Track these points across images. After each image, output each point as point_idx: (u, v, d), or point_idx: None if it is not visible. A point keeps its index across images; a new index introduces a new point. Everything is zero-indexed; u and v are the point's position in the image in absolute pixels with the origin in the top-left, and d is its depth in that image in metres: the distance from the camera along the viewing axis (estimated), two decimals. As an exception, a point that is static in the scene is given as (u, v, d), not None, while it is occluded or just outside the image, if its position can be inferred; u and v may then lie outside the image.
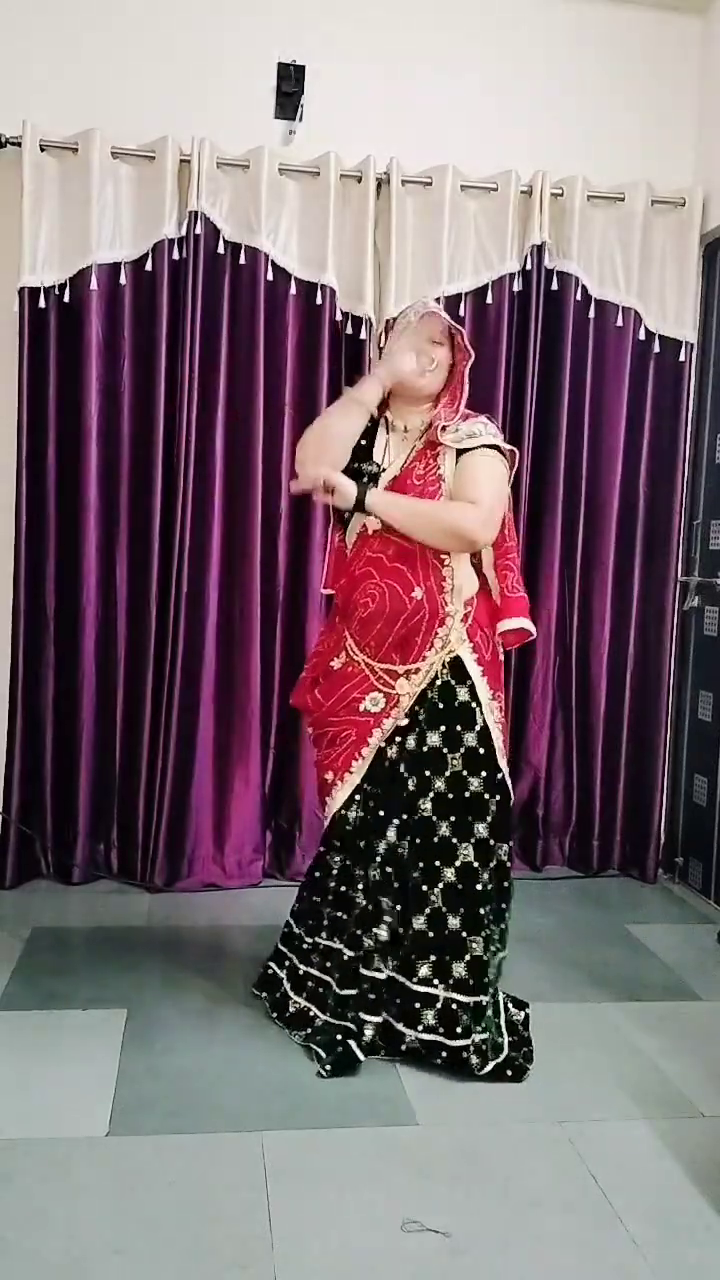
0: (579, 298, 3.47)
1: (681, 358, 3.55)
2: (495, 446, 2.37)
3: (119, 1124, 2.09)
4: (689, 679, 3.67)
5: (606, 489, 3.56)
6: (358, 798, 2.41)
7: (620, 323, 3.50)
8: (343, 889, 2.44)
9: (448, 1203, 1.90)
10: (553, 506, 3.51)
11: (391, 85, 3.41)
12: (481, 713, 2.35)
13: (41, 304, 3.19)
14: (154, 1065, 2.31)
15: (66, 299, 3.22)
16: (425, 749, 2.35)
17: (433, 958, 2.32)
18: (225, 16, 3.33)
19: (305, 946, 2.52)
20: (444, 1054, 2.30)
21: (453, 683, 2.34)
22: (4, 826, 3.32)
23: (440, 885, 2.33)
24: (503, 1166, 2.02)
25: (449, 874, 2.33)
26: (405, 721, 2.35)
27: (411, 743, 2.35)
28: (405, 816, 2.35)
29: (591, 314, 3.50)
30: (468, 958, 2.33)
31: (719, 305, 3.56)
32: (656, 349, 3.55)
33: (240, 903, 3.26)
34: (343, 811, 2.43)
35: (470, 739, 2.34)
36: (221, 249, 3.27)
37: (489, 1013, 2.34)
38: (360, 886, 2.39)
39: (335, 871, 2.46)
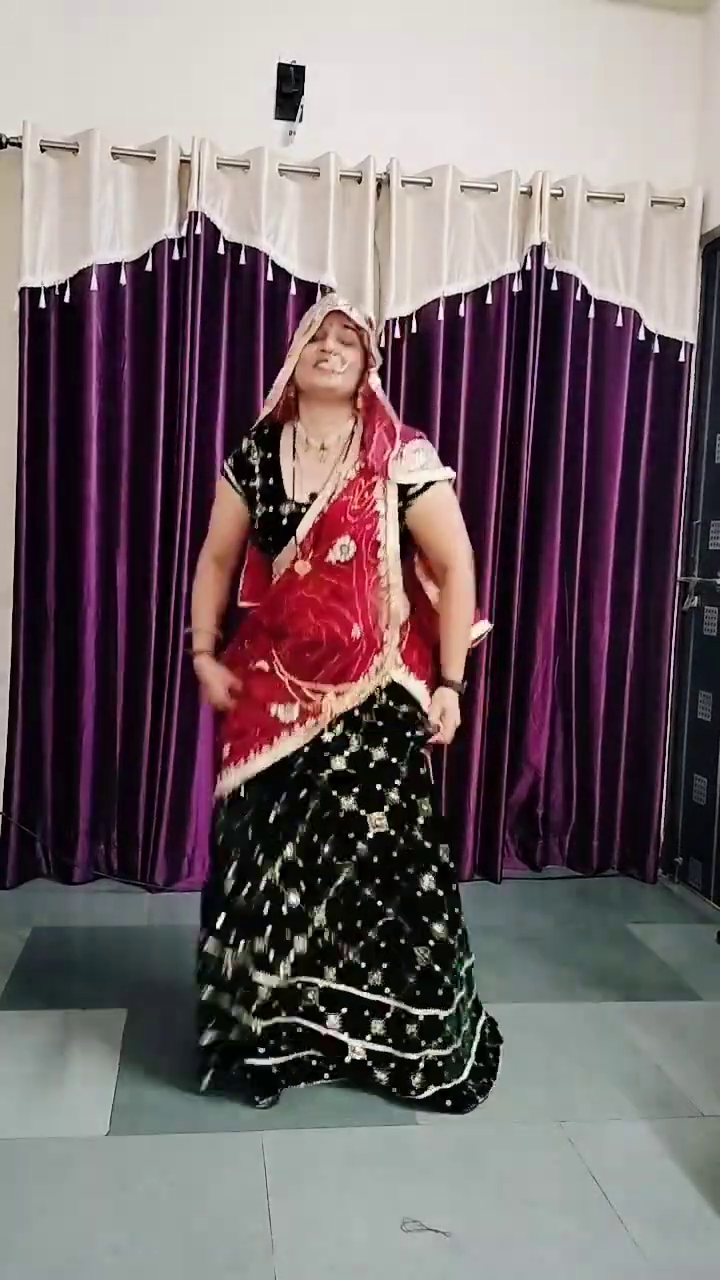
0: (579, 298, 3.47)
1: (681, 358, 3.55)
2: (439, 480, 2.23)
3: (119, 1124, 2.09)
4: (689, 679, 3.67)
5: (606, 489, 3.56)
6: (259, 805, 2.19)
7: (620, 323, 3.50)
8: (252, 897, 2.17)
9: (448, 1203, 1.90)
10: (553, 506, 3.52)
11: (391, 85, 3.41)
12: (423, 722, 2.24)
13: (42, 304, 3.19)
14: (154, 1065, 2.31)
15: (67, 299, 3.22)
16: (370, 765, 2.19)
17: (384, 966, 2.20)
18: (225, 16, 3.33)
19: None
20: (391, 1065, 2.19)
21: (391, 704, 2.21)
22: (4, 826, 3.32)
23: (398, 898, 2.19)
24: (503, 1166, 2.02)
25: (421, 884, 2.20)
26: (329, 739, 2.18)
27: (342, 764, 2.19)
28: (350, 835, 2.18)
29: (591, 314, 3.50)
30: (418, 968, 2.20)
31: (719, 305, 3.56)
32: (656, 349, 3.55)
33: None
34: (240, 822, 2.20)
35: (409, 749, 2.23)
36: (221, 249, 3.27)
37: (448, 1029, 2.21)
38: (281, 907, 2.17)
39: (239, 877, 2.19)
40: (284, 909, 2.16)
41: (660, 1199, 1.94)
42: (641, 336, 3.53)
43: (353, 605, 2.15)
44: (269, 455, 2.22)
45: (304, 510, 2.15)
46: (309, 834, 2.19)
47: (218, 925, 2.16)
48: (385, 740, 2.21)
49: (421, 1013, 2.19)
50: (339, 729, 2.19)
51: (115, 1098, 2.18)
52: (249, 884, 2.15)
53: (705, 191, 3.52)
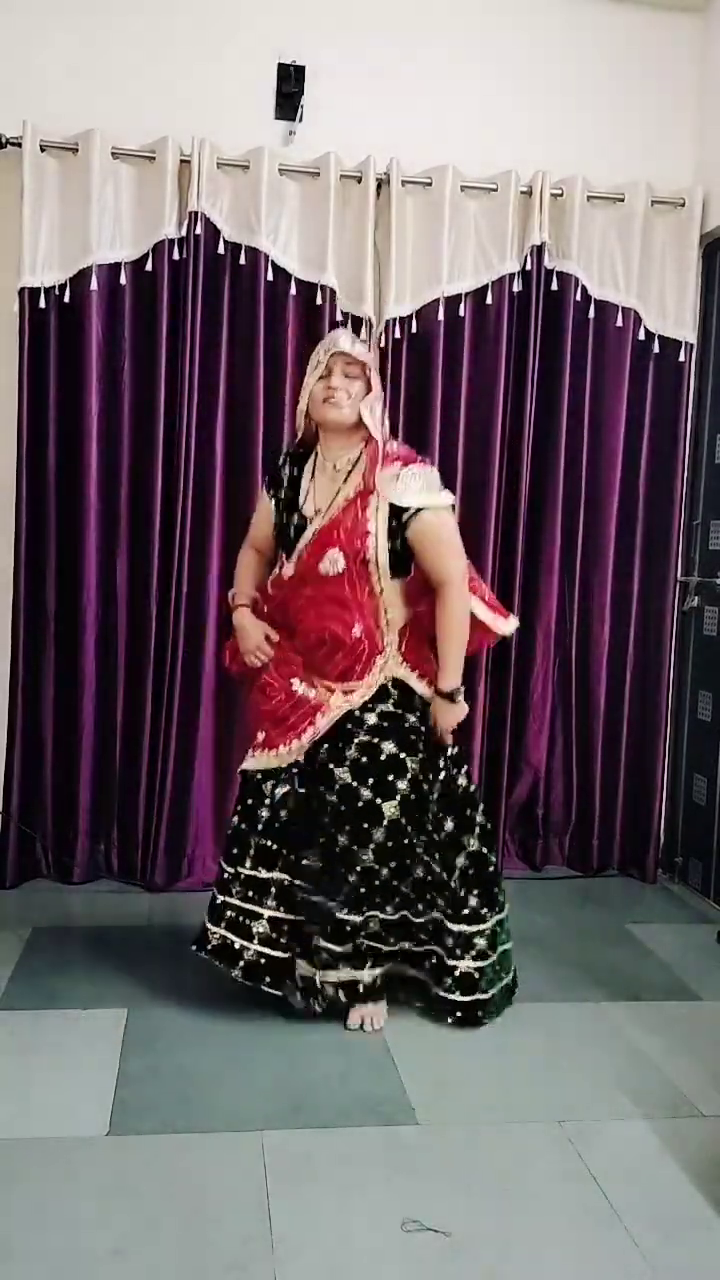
0: (579, 298, 3.47)
1: (681, 358, 3.55)
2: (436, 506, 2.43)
3: (119, 1124, 2.09)
4: (689, 679, 3.67)
5: (606, 489, 3.56)
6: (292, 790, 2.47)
7: (620, 323, 3.50)
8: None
9: (448, 1203, 1.90)
10: (553, 506, 3.51)
11: (391, 85, 3.41)
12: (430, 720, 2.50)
13: (42, 304, 3.19)
14: (154, 1065, 2.31)
15: (67, 299, 3.21)
16: (382, 758, 2.43)
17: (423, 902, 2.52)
18: (225, 17, 3.33)
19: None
20: (432, 961, 2.53)
21: (400, 699, 2.47)
22: (4, 826, 3.32)
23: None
24: (503, 1166, 2.02)
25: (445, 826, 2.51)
26: (343, 740, 2.43)
27: (360, 757, 2.43)
28: (365, 825, 2.42)
29: (591, 314, 3.50)
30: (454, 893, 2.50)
31: (719, 305, 3.56)
32: (656, 349, 3.55)
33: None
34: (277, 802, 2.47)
35: (420, 749, 2.47)
36: (222, 249, 3.27)
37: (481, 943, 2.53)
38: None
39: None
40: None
41: (660, 1199, 1.94)
42: (641, 336, 3.53)
43: (349, 609, 2.41)
44: (296, 472, 2.53)
45: (309, 523, 2.44)
46: (330, 826, 2.44)
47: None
48: (395, 737, 2.44)
49: (458, 928, 2.49)
50: (355, 720, 2.44)
51: (115, 1098, 2.18)
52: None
53: (705, 191, 3.52)
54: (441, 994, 2.52)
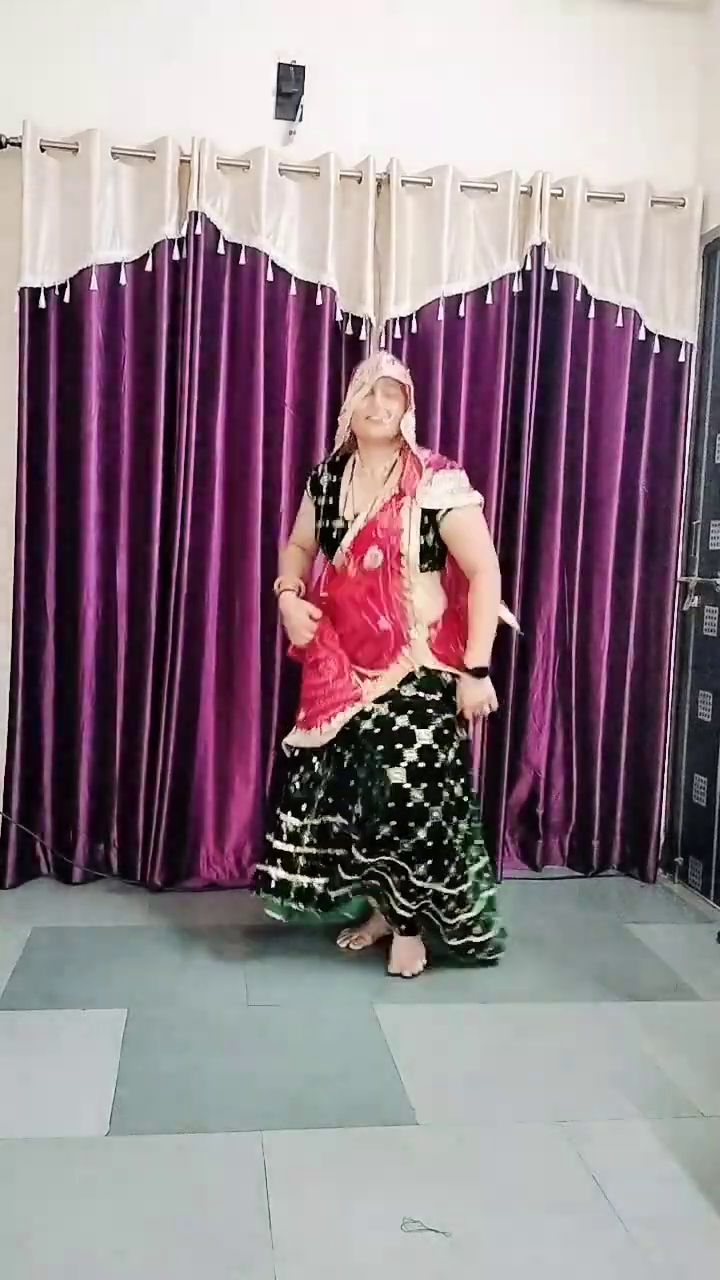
0: (579, 298, 3.47)
1: (681, 358, 3.55)
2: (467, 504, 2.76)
3: (119, 1124, 2.09)
4: (689, 679, 3.67)
5: (606, 489, 3.56)
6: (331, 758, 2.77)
7: (620, 323, 3.50)
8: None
9: (448, 1203, 1.90)
10: (553, 506, 3.51)
11: (391, 85, 3.40)
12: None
13: (42, 304, 3.19)
14: (154, 1065, 2.31)
15: (66, 299, 3.22)
16: (405, 717, 2.70)
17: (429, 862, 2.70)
18: (225, 16, 3.33)
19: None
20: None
21: (428, 682, 2.73)
22: (4, 826, 3.32)
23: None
24: (503, 1166, 2.02)
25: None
26: (373, 710, 2.72)
27: (373, 725, 2.72)
28: (399, 746, 2.67)
29: (591, 314, 3.50)
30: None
31: (719, 305, 3.56)
32: (656, 349, 3.55)
33: (240, 903, 3.26)
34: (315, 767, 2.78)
35: (446, 710, 2.73)
36: (222, 249, 3.27)
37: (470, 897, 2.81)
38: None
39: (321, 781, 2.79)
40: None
41: (660, 1199, 1.94)
42: (641, 336, 3.53)
43: (380, 602, 2.73)
44: (335, 479, 2.83)
45: (348, 527, 2.76)
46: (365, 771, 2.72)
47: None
48: (412, 710, 2.70)
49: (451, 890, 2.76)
50: (383, 707, 2.71)
51: (115, 1098, 2.18)
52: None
53: (705, 191, 3.52)
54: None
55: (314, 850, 2.76)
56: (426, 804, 2.64)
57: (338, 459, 2.86)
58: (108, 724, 3.37)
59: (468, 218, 3.41)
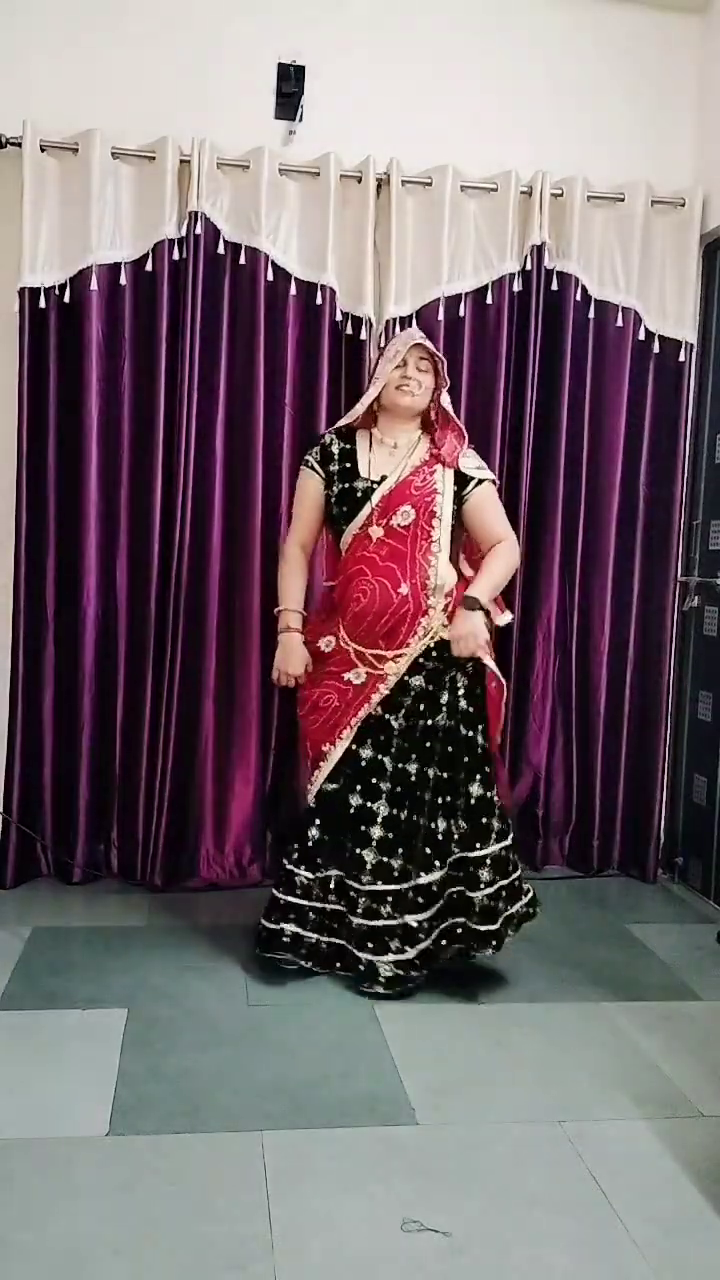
0: (579, 298, 3.47)
1: (681, 358, 3.55)
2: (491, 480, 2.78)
3: (119, 1124, 2.09)
4: (689, 679, 3.67)
5: (606, 489, 3.56)
6: (349, 773, 2.70)
7: (620, 323, 3.50)
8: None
9: (448, 1203, 1.90)
10: (553, 506, 3.51)
11: (391, 85, 3.41)
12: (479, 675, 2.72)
13: (42, 304, 3.19)
14: (154, 1065, 2.31)
15: (66, 299, 3.22)
16: (430, 694, 2.68)
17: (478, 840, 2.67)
18: (225, 16, 3.33)
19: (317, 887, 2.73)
20: (503, 892, 2.67)
21: (446, 656, 2.65)
22: (4, 826, 3.32)
23: (463, 797, 2.67)
24: (503, 1166, 2.02)
25: (474, 788, 2.67)
26: (396, 697, 2.67)
27: (409, 702, 2.68)
28: (429, 744, 2.67)
29: (591, 314, 3.50)
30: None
31: (719, 305, 3.56)
32: (656, 349, 3.55)
33: (240, 903, 3.26)
34: (330, 787, 2.71)
35: (466, 695, 2.70)
36: (221, 249, 3.27)
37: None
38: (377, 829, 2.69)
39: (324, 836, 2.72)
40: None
41: (660, 1199, 1.94)
42: (641, 336, 3.53)
43: (403, 564, 2.64)
44: (348, 446, 2.76)
45: (375, 486, 2.68)
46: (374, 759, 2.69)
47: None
48: (433, 684, 2.68)
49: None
50: (401, 679, 2.67)
51: (115, 1098, 2.18)
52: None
53: (705, 191, 3.52)
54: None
55: (328, 906, 2.72)
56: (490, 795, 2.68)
57: (342, 431, 2.79)
58: (108, 724, 3.37)
59: (468, 218, 3.41)
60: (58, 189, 3.20)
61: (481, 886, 2.64)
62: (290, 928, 2.69)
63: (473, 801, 2.67)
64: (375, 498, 2.66)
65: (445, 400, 2.73)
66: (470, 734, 2.70)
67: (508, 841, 2.72)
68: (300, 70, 3.33)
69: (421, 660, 2.67)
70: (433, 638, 2.65)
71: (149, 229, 3.24)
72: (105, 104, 3.22)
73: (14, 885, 3.31)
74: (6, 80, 3.21)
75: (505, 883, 2.69)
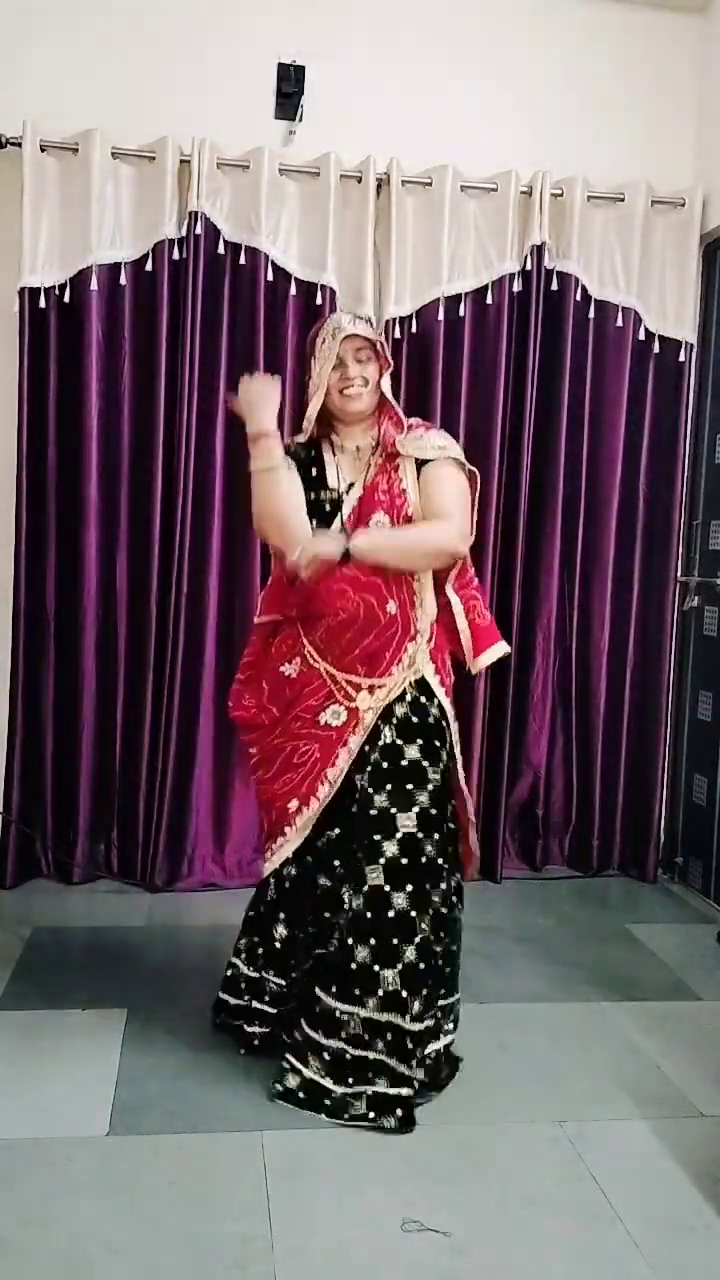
0: (579, 298, 3.47)
1: (681, 358, 3.55)
2: (458, 461, 2.30)
3: (119, 1124, 2.09)
4: (689, 679, 3.67)
5: (606, 489, 3.56)
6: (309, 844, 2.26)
7: (620, 323, 3.50)
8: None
9: (448, 1203, 1.90)
10: (553, 506, 3.51)
11: (391, 85, 3.40)
12: (449, 738, 2.29)
13: (42, 304, 3.19)
14: (154, 1065, 2.31)
15: (66, 299, 3.22)
16: (403, 763, 2.21)
17: (424, 992, 2.18)
18: (225, 16, 3.33)
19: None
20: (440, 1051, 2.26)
21: (423, 700, 2.25)
22: (4, 826, 3.32)
23: (430, 912, 2.18)
24: (503, 1166, 2.02)
25: (435, 898, 2.20)
26: (366, 744, 2.22)
27: (381, 761, 2.22)
28: (378, 837, 2.17)
29: (591, 314, 3.50)
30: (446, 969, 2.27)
31: (719, 305, 3.56)
32: (656, 349, 3.55)
33: (240, 903, 3.24)
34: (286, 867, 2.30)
35: (443, 759, 2.26)
36: (222, 249, 3.27)
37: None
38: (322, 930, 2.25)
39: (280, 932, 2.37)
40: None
41: (660, 1199, 1.94)
42: (641, 336, 3.53)
43: (388, 579, 2.23)
44: (312, 453, 2.36)
45: (343, 496, 2.30)
46: (344, 835, 2.23)
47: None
48: (419, 741, 2.24)
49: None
50: (374, 720, 2.22)
51: (115, 1098, 2.18)
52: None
53: (705, 191, 3.52)
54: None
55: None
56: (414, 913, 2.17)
57: (303, 442, 2.38)
58: (108, 724, 3.37)
59: (468, 218, 3.41)
60: (58, 189, 3.20)
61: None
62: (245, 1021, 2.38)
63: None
64: (345, 509, 2.28)
65: (385, 385, 2.29)
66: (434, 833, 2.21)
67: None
68: (300, 70, 3.33)
69: (394, 705, 2.23)
70: (415, 671, 2.26)
71: (149, 229, 3.24)
72: (105, 104, 3.22)
73: (14, 885, 3.31)
74: (6, 80, 3.21)
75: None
